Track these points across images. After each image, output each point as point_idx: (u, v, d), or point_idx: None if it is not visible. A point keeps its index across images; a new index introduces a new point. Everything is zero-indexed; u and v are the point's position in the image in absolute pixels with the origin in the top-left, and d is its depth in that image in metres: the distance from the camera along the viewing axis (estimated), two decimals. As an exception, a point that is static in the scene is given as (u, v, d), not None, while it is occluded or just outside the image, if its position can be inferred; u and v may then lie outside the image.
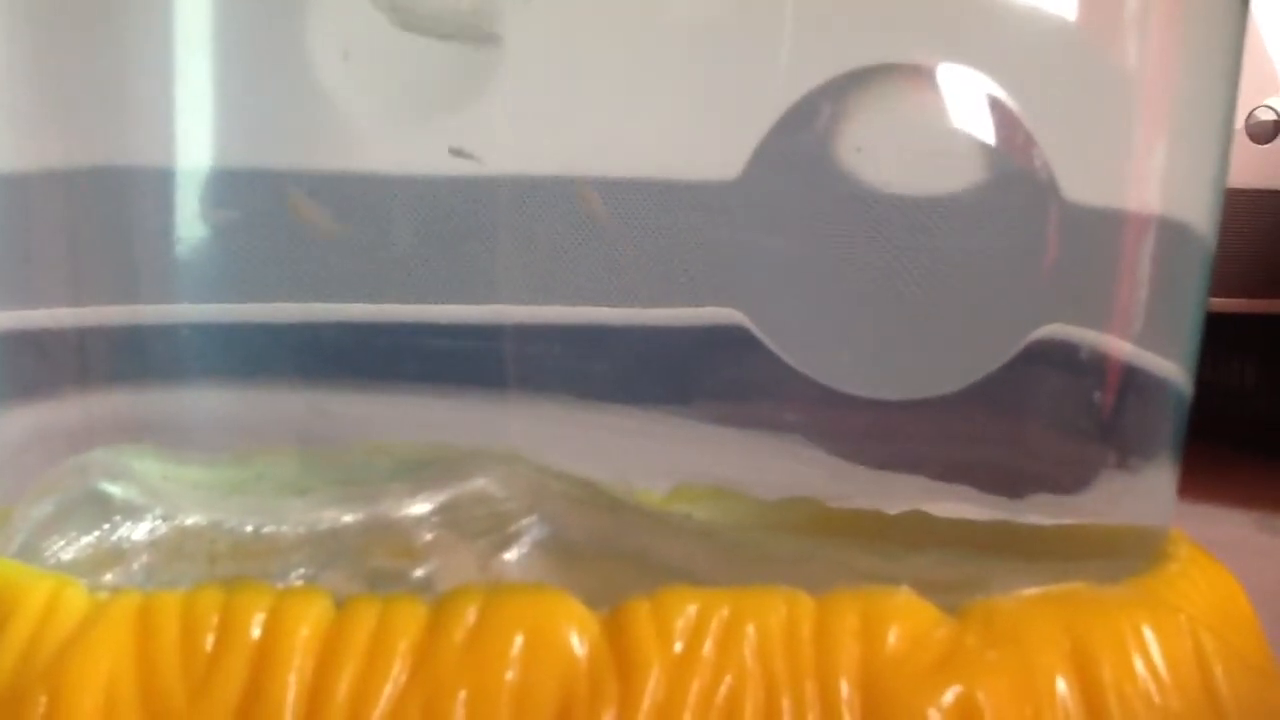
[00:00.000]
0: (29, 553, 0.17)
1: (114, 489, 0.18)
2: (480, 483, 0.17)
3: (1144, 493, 0.22)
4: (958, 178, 0.21)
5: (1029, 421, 0.23)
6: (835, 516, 0.23)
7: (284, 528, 0.17)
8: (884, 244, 0.21)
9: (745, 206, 0.21)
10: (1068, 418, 0.22)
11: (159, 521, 0.17)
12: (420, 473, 0.19)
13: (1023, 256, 0.21)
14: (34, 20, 0.21)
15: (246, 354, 0.22)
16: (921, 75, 0.20)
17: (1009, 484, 0.23)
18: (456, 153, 0.21)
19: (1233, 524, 0.35)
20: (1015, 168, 0.21)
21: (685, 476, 0.23)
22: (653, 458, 0.22)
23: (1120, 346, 0.22)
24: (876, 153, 0.21)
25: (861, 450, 0.23)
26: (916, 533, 0.22)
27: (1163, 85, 0.21)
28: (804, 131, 0.21)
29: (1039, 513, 0.23)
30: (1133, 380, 0.22)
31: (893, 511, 0.22)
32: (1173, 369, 0.22)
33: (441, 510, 0.17)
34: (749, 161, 0.21)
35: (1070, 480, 0.23)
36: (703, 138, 0.21)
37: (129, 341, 0.23)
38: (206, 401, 0.22)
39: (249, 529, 0.17)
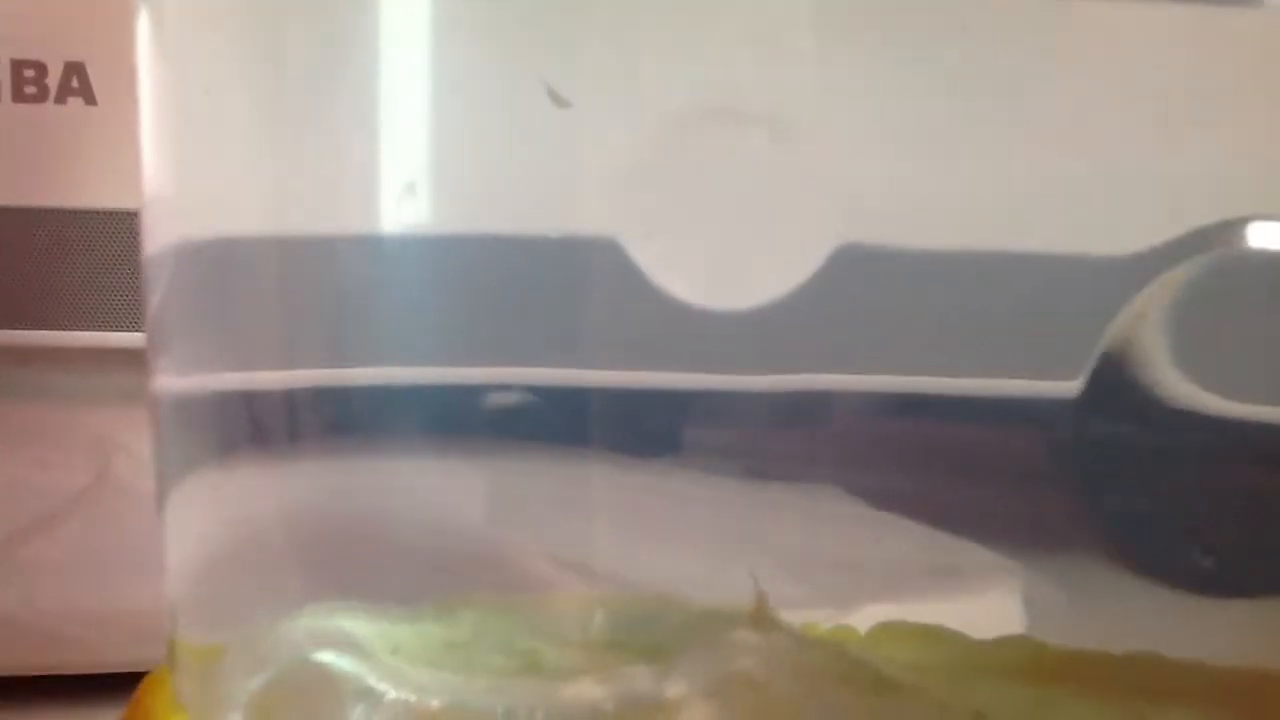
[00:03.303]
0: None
1: (332, 660, 0.17)
2: (746, 663, 0.16)
3: None
4: None
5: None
6: (1054, 657, 0.21)
7: (538, 715, 0.16)
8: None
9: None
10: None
11: (393, 703, 0.16)
12: (648, 634, 0.18)
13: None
14: (257, 90, 0.21)
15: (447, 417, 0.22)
16: None
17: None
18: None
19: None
20: None
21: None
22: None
23: None
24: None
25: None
26: (1152, 680, 0.20)
27: None
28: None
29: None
30: None
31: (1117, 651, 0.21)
32: None
33: (708, 696, 0.16)
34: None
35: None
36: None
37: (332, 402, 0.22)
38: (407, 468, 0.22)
39: (498, 713, 0.16)
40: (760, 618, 0.17)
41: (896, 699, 0.17)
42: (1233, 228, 0.21)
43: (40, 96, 0.33)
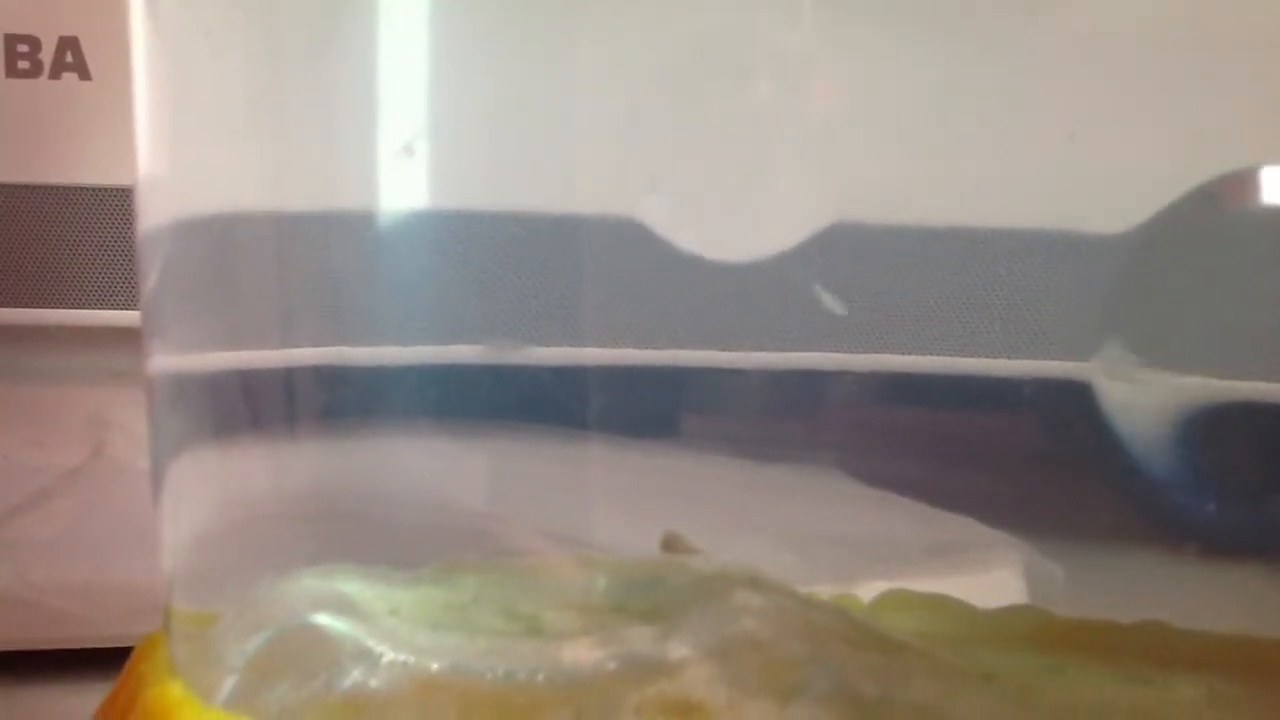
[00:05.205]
0: (246, 702, 0.16)
1: (329, 622, 0.17)
2: (749, 624, 0.16)
3: None
4: None
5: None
6: (1061, 627, 0.21)
7: (539, 676, 0.16)
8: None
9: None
10: None
11: (390, 664, 0.16)
12: (650, 597, 0.17)
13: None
14: (253, 64, 0.21)
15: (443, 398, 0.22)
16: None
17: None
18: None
19: None
20: None
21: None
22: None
23: None
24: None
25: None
26: (1158, 648, 0.20)
27: None
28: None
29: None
30: None
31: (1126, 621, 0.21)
32: None
33: (710, 656, 0.16)
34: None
35: None
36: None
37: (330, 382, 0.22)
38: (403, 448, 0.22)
39: (499, 674, 0.16)
40: (670, 546, 0.17)
41: (902, 660, 0.16)
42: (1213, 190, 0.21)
43: (34, 72, 0.33)
